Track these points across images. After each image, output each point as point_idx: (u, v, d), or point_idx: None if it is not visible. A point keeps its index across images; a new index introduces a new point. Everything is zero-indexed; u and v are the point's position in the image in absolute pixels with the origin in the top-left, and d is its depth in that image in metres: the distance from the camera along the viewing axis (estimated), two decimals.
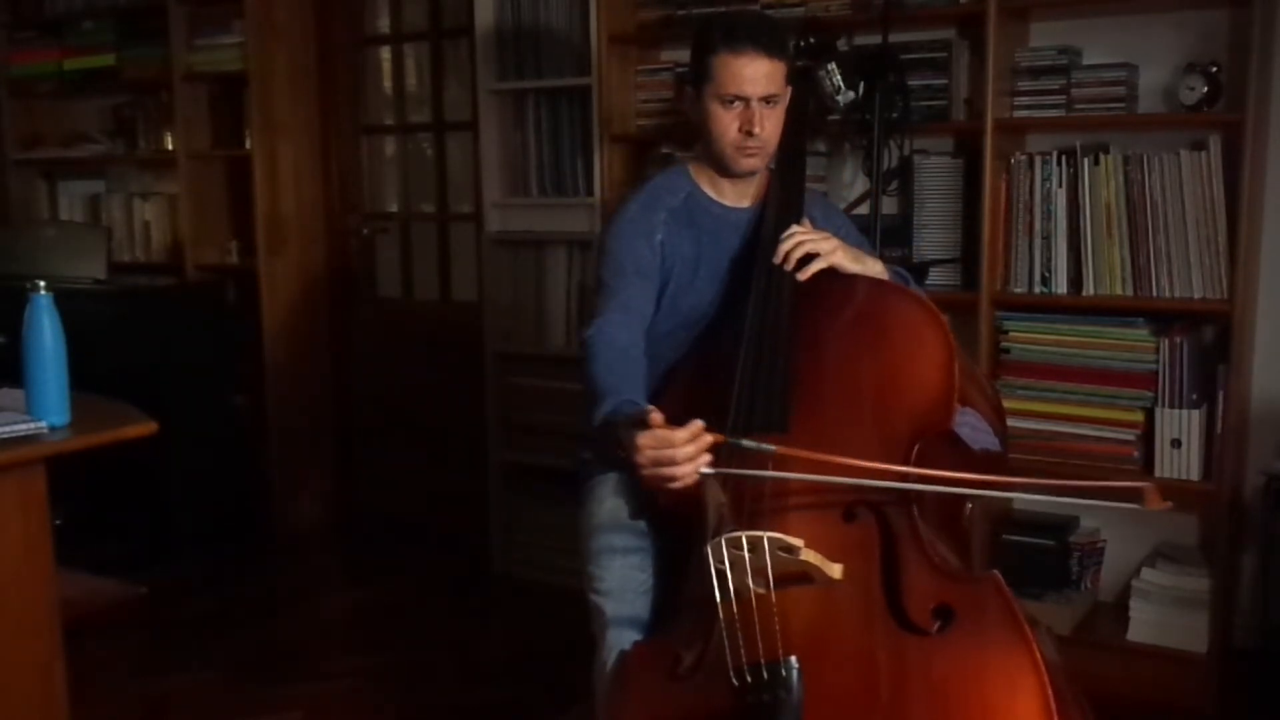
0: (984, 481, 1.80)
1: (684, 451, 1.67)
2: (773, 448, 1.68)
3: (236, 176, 4.40)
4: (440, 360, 4.23)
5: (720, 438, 1.70)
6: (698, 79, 2.07)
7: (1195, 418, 2.82)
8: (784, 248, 2.01)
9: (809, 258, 2.01)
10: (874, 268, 2.06)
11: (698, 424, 1.68)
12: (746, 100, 2.02)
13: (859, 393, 1.85)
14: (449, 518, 4.23)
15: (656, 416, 1.69)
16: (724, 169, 2.12)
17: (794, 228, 2.04)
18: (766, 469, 1.71)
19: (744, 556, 1.63)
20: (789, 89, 2.08)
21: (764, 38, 2.02)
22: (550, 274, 3.75)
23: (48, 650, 2.13)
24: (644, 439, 1.69)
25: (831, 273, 2.05)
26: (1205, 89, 2.81)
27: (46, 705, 2.14)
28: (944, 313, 1.95)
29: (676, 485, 1.70)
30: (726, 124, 2.04)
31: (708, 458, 1.70)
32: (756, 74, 2.00)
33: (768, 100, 2.03)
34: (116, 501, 3.85)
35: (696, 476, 1.70)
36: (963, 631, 1.55)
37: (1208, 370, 2.87)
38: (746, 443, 1.69)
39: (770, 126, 2.05)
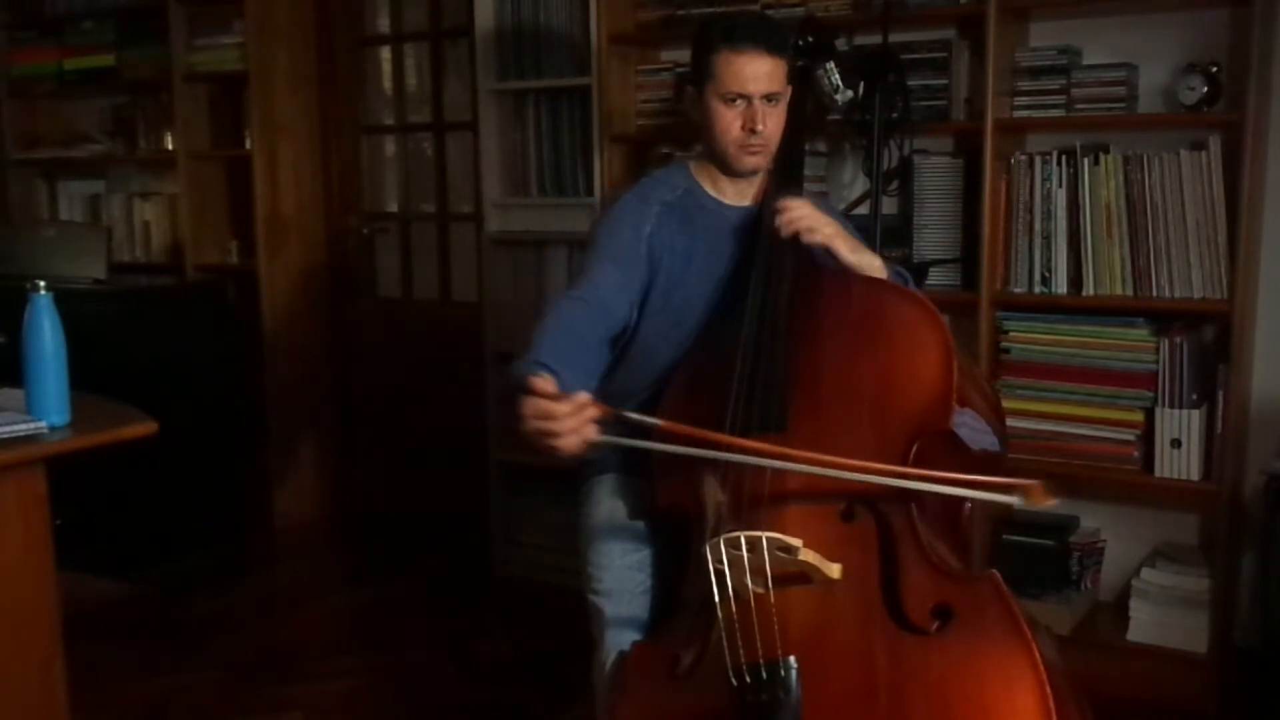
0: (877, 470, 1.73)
1: (565, 424, 1.65)
2: (658, 421, 1.69)
3: (236, 176, 4.41)
4: (440, 360, 4.23)
5: (605, 409, 1.69)
6: (699, 78, 2.07)
7: (1195, 418, 2.82)
8: (786, 216, 2.01)
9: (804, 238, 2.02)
10: (871, 261, 2.06)
11: (583, 396, 1.67)
12: (748, 98, 2.02)
13: (857, 392, 1.85)
14: (449, 518, 4.23)
15: (541, 385, 1.67)
16: (726, 168, 2.12)
17: (797, 199, 2.05)
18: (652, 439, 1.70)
19: (743, 556, 1.63)
20: (790, 87, 2.08)
21: (765, 36, 2.02)
22: (550, 274, 3.74)
23: (48, 650, 2.14)
24: (526, 407, 1.68)
25: (830, 272, 2.05)
26: (1205, 89, 2.81)
27: (46, 705, 2.14)
28: (944, 313, 1.95)
29: (561, 451, 1.67)
30: (729, 122, 2.04)
31: (592, 429, 1.67)
32: (758, 72, 2.00)
33: (769, 98, 2.03)
34: (116, 501, 3.85)
35: (581, 445, 1.67)
36: (962, 631, 1.55)
37: (1208, 370, 2.87)
38: (629, 413, 1.70)
39: (772, 125, 2.05)
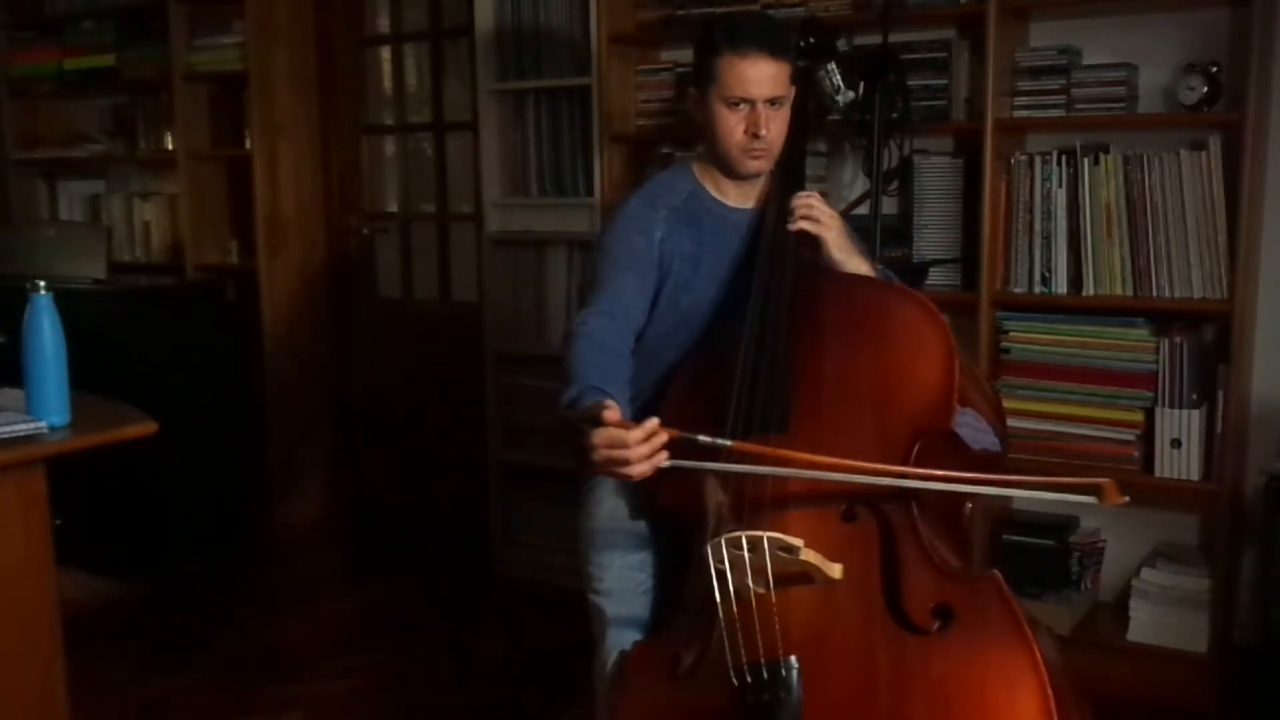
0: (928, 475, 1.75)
1: (637, 451, 1.65)
2: (728, 442, 1.68)
3: (236, 176, 4.40)
4: (440, 360, 4.23)
5: (675, 433, 1.69)
6: (702, 81, 2.06)
7: (1195, 418, 2.82)
8: (801, 199, 2.07)
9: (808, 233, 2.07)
10: (858, 264, 2.09)
11: (653, 422, 1.67)
12: (752, 102, 2.01)
13: (859, 392, 1.85)
14: (449, 518, 4.23)
15: (610, 414, 1.67)
16: (729, 170, 2.11)
17: (808, 193, 2.10)
18: (721, 460, 1.70)
19: (744, 556, 1.64)
20: (793, 89, 2.08)
21: (769, 39, 2.01)
22: (550, 274, 3.75)
23: (48, 650, 2.14)
24: (597, 437, 1.67)
25: (832, 273, 2.06)
26: (1205, 89, 2.81)
27: (46, 705, 2.14)
28: (944, 313, 1.95)
29: (632, 478, 1.69)
30: (732, 126, 2.04)
31: (663, 455, 1.68)
32: (762, 76, 2.00)
33: (773, 102, 2.02)
34: (116, 501, 3.85)
35: (651, 471, 1.68)
36: (963, 631, 1.55)
37: (1208, 370, 2.87)
38: (702, 438, 1.68)
39: (776, 128, 2.05)
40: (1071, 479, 1.64)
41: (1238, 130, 2.74)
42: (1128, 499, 1.56)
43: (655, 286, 2.07)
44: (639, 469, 1.66)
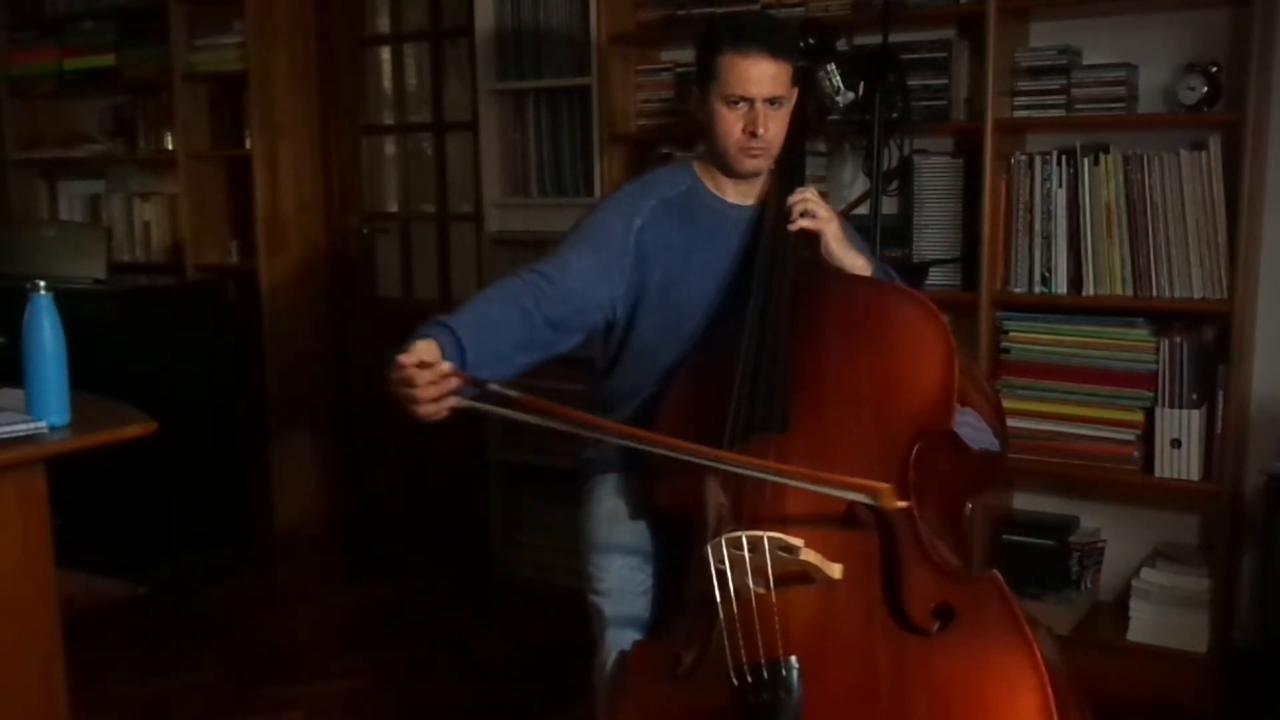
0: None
1: (424, 392, 1.71)
2: (515, 393, 1.73)
3: (236, 176, 4.40)
4: None
5: (465, 377, 1.74)
6: (703, 79, 2.06)
7: (1195, 418, 2.82)
8: (794, 199, 2.07)
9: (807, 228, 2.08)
10: (856, 261, 2.09)
11: (445, 365, 1.73)
12: (751, 101, 2.01)
13: (859, 391, 1.85)
14: (449, 518, 4.23)
15: (407, 358, 1.72)
16: (728, 169, 2.11)
17: (804, 189, 2.09)
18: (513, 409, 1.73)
19: (744, 556, 1.64)
20: (795, 90, 2.08)
21: (771, 39, 2.01)
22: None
23: (48, 650, 2.14)
24: (393, 369, 1.73)
25: (832, 272, 2.06)
26: (1205, 89, 2.81)
27: (46, 705, 2.14)
28: (944, 313, 1.95)
29: (420, 418, 1.73)
30: (731, 124, 2.04)
31: (451, 399, 1.73)
32: (762, 75, 2.00)
33: (773, 102, 2.02)
34: (116, 501, 3.85)
35: (442, 413, 1.74)
36: (963, 631, 1.55)
37: (1208, 370, 2.87)
38: (492, 386, 1.75)
39: (774, 128, 2.04)
40: (851, 479, 1.63)
41: (1238, 130, 2.74)
42: (906, 504, 1.63)
43: (630, 276, 2.05)
44: (425, 409, 1.72)
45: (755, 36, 2.00)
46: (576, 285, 1.99)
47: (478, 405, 1.76)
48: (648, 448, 1.77)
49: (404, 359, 1.72)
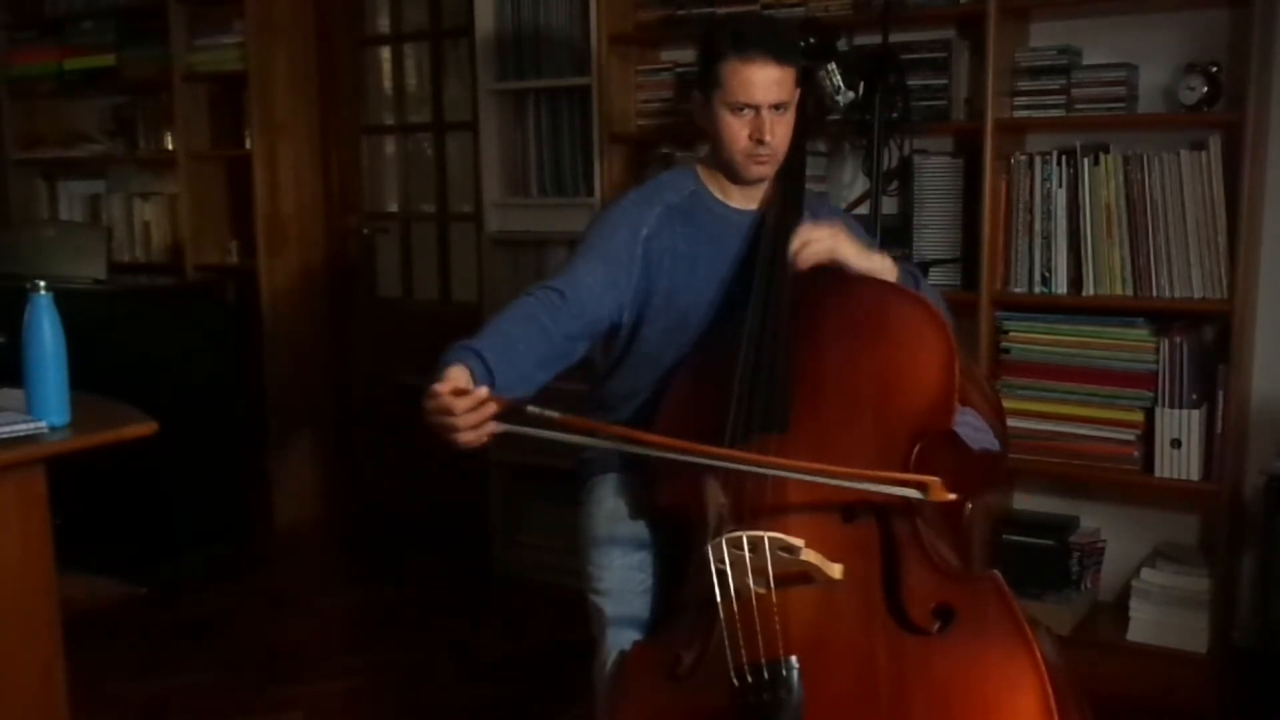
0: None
1: (464, 420, 1.69)
2: (555, 414, 1.69)
3: (236, 176, 4.41)
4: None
5: (505, 402, 1.71)
6: (706, 85, 2.04)
7: (1195, 418, 2.82)
8: (793, 248, 1.97)
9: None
10: (880, 264, 2.03)
11: (481, 391, 1.70)
12: (756, 108, 2.00)
13: (859, 392, 1.84)
14: (449, 518, 4.23)
15: (441, 386, 1.70)
16: (733, 175, 2.10)
17: (800, 230, 2.01)
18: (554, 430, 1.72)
19: (744, 556, 1.63)
20: (798, 93, 2.07)
21: (774, 44, 1.99)
22: (550, 274, 3.73)
23: (48, 650, 2.14)
24: (428, 402, 1.71)
25: (833, 273, 2.05)
26: (1205, 89, 2.81)
27: (46, 705, 2.14)
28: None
29: (460, 447, 1.71)
30: (736, 132, 2.02)
31: (492, 425, 1.71)
32: (767, 81, 1.98)
33: (777, 107, 2.01)
34: (116, 501, 3.85)
35: (480, 441, 1.72)
36: (963, 632, 1.55)
37: (1208, 370, 2.87)
38: (531, 409, 1.70)
39: (780, 134, 2.03)
40: (901, 474, 1.65)
41: (1238, 130, 2.74)
42: (955, 496, 1.62)
43: (637, 284, 2.05)
44: (465, 437, 1.70)
45: (758, 42, 1.98)
46: (589, 298, 1.99)
47: (518, 429, 1.72)
48: (698, 460, 1.72)
49: (439, 386, 1.69)
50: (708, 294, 2.08)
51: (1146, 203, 2.85)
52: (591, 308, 2.00)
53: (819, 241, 1.97)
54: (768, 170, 2.08)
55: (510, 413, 1.71)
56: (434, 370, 1.77)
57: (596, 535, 2.06)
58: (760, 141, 2.01)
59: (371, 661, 3.25)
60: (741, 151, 2.03)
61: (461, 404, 1.68)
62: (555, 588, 3.56)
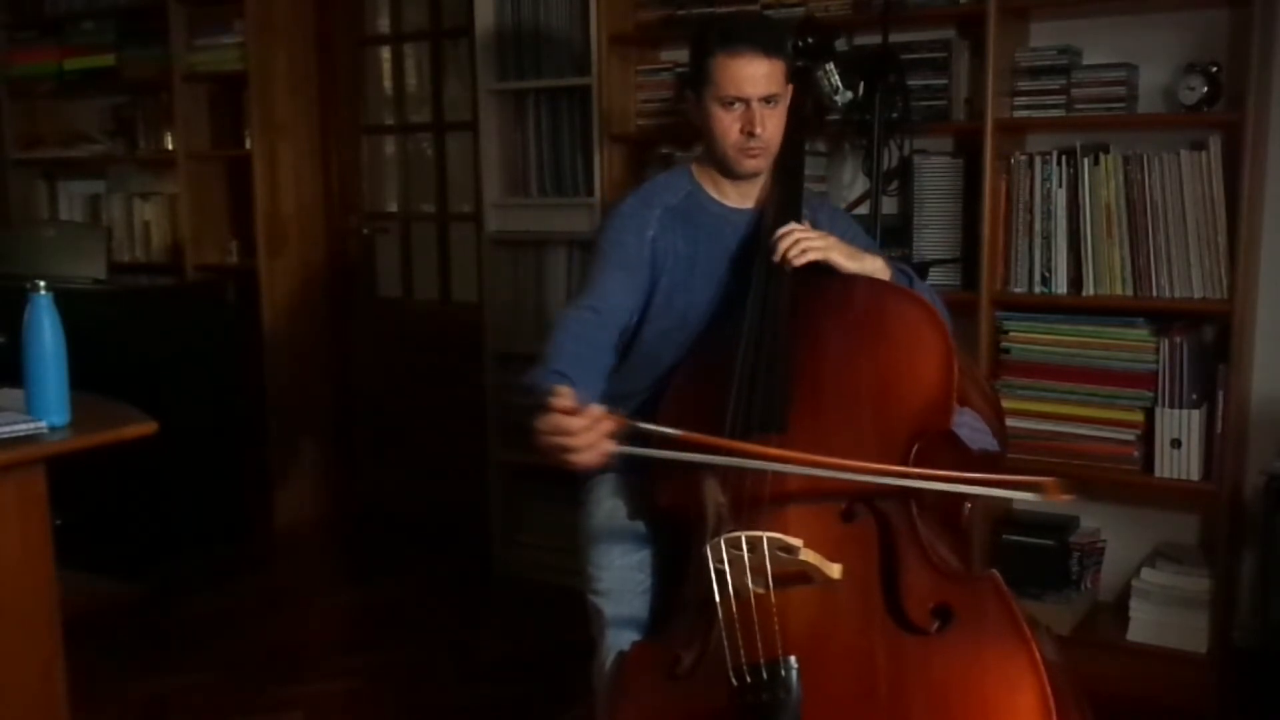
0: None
1: (582, 439, 1.66)
2: (676, 431, 1.68)
3: (236, 176, 4.41)
4: (440, 360, 4.23)
5: (621, 420, 1.70)
6: (697, 83, 2.06)
7: (1195, 418, 2.82)
8: (781, 245, 1.98)
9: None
10: (872, 265, 2.04)
11: (598, 409, 1.68)
12: (746, 101, 2.02)
13: (858, 393, 1.85)
14: (449, 518, 4.23)
15: (559, 402, 1.67)
16: (727, 171, 2.12)
17: (790, 224, 2.03)
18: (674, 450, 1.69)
19: (743, 556, 1.63)
20: (789, 87, 2.08)
21: (761, 37, 2.02)
22: (550, 274, 3.74)
23: (48, 650, 2.14)
24: (543, 423, 1.69)
25: (831, 272, 2.05)
26: (1205, 89, 2.81)
27: (46, 705, 2.14)
28: None
29: (577, 466, 1.69)
30: (727, 126, 2.04)
31: (609, 443, 1.69)
32: (755, 74, 2.00)
33: (768, 100, 2.02)
34: (116, 501, 3.85)
35: (598, 460, 1.69)
36: (962, 631, 1.55)
37: (1208, 370, 2.87)
38: (646, 425, 1.69)
39: (772, 126, 2.05)
40: (1017, 477, 1.64)
41: (1238, 130, 2.74)
42: (1072, 496, 1.58)
43: (648, 284, 2.07)
44: (583, 457, 1.67)
45: (745, 36, 2.01)
46: (618, 307, 2.04)
47: (636, 451, 1.71)
48: (805, 470, 1.69)
49: (556, 403, 1.66)
50: (706, 294, 2.09)
51: (1146, 203, 2.85)
52: (621, 316, 2.05)
53: (810, 240, 1.98)
54: (760, 164, 2.09)
55: (622, 430, 1.69)
56: (533, 392, 1.76)
57: (596, 535, 2.06)
58: (751, 134, 2.02)
59: (371, 661, 3.25)
60: (733, 145, 2.05)
61: (578, 423, 1.66)
62: (555, 588, 3.56)
